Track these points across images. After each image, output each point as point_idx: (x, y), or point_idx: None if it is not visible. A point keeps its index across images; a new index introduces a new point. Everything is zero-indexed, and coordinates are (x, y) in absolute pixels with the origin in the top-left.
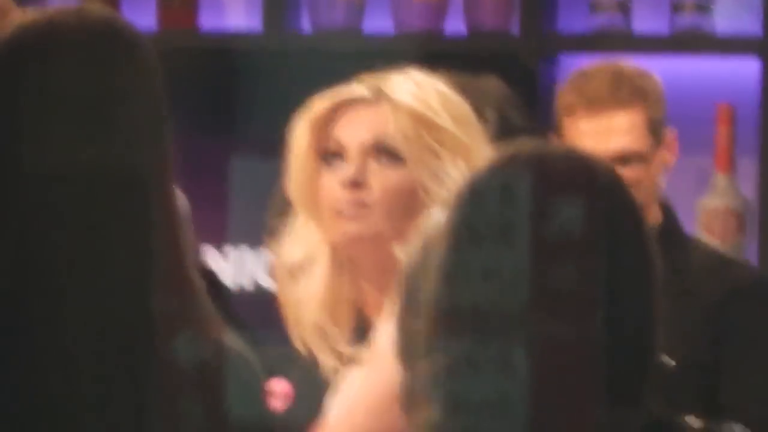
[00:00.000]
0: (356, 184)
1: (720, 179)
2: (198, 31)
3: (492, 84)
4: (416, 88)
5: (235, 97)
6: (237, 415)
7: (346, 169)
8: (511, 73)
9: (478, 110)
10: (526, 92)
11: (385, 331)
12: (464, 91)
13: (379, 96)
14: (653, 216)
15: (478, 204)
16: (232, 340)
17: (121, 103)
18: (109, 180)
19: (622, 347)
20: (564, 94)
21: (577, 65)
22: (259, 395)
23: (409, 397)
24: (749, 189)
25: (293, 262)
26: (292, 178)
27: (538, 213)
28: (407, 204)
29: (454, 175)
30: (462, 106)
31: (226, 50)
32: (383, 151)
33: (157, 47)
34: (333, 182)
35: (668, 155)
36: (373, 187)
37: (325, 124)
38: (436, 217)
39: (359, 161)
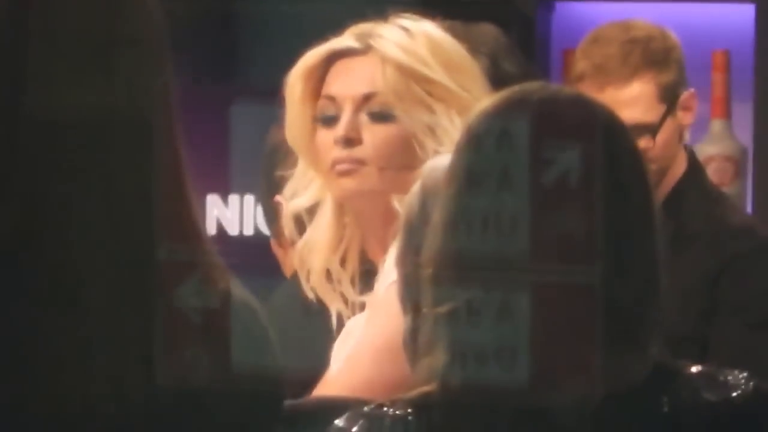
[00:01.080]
0: (349, 140)
1: (716, 125)
2: None
3: (486, 31)
4: (407, 39)
5: (236, 42)
6: (243, 363)
7: (339, 127)
8: (508, 19)
9: (473, 54)
10: (523, 39)
11: (387, 279)
12: (457, 38)
13: (368, 48)
14: (674, 170)
15: (477, 149)
16: (238, 288)
17: (121, 48)
18: (111, 124)
19: (625, 292)
20: (575, 60)
21: (573, 11)
22: (265, 345)
23: (412, 344)
24: (746, 134)
25: (299, 208)
26: (289, 130)
27: (538, 157)
28: (402, 158)
29: (447, 128)
30: (457, 52)
31: None
32: (374, 106)
33: None
34: (328, 139)
35: (686, 116)
36: (366, 143)
37: (316, 76)
38: (434, 164)
39: (351, 117)
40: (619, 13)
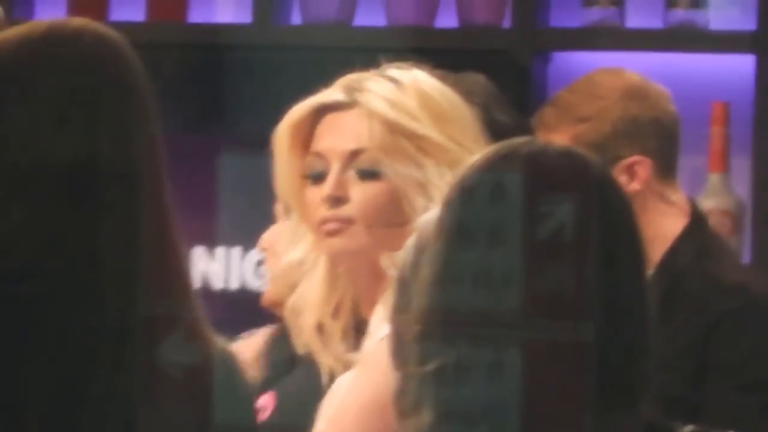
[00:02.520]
0: (336, 199)
1: (714, 179)
2: (187, 23)
3: (477, 81)
4: (395, 92)
5: (224, 92)
6: (224, 420)
7: (326, 185)
8: (504, 69)
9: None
10: (519, 89)
11: (376, 336)
12: (454, 85)
13: (355, 102)
14: (660, 230)
15: (469, 203)
16: (222, 344)
17: (103, 99)
18: (94, 175)
19: (616, 349)
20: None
21: (569, 61)
22: (247, 400)
23: (402, 401)
24: (744, 188)
25: (292, 262)
26: (279, 184)
27: (530, 212)
28: (391, 215)
29: (437, 183)
30: (449, 103)
31: (216, 44)
32: (361, 163)
33: (145, 40)
34: (316, 196)
35: (630, 183)
36: (354, 201)
37: (304, 131)
38: (428, 218)
39: (338, 175)
40: (615, 62)
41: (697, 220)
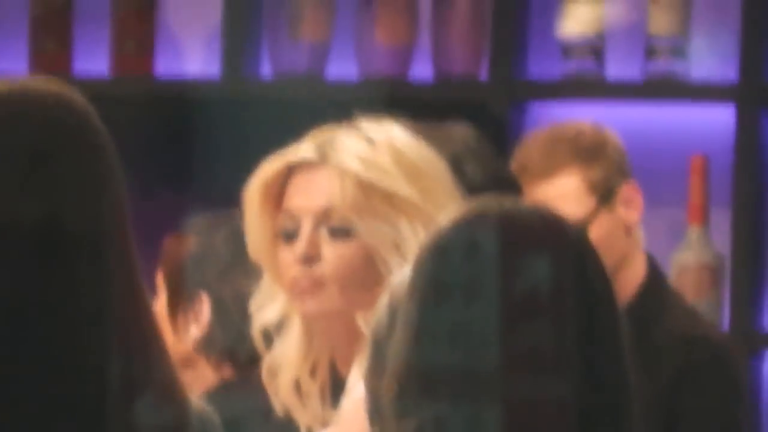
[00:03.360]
0: (308, 258)
1: (693, 232)
2: (153, 77)
3: (453, 132)
4: (368, 149)
5: (192, 146)
6: None
7: (298, 244)
8: (480, 120)
9: None
10: (496, 141)
11: (355, 393)
12: (422, 138)
13: (327, 160)
14: (631, 275)
15: (441, 262)
16: (196, 403)
17: (67, 159)
18: (60, 236)
19: (595, 407)
20: (511, 163)
21: (547, 113)
22: None
23: None
24: (723, 240)
25: (266, 322)
26: (250, 243)
27: (503, 271)
28: (364, 275)
29: (411, 241)
30: (423, 159)
31: (184, 97)
32: (333, 221)
33: (110, 94)
34: (288, 256)
35: (629, 212)
36: (326, 261)
37: (275, 189)
38: (401, 277)
39: (310, 234)
40: (593, 114)
41: (655, 273)
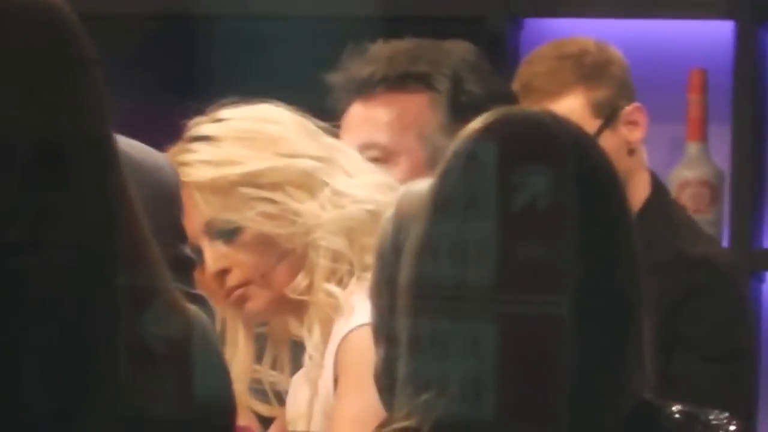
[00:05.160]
0: (221, 272)
1: (692, 148)
2: None
3: (453, 49)
4: (209, 149)
5: (198, 61)
6: (201, 390)
7: (207, 267)
8: (478, 36)
9: (430, 80)
10: (493, 55)
11: (328, 347)
12: (419, 58)
13: (184, 183)
14: (634, 193)
15: (446, 176)
16: (195, 311)
17: (70, 68)
18: (63, 144)
19: (598, 322)
20: (514, 81)
21: (546, 28)
22: (223, 371)
23: (385, 377)
24: (722, 157)
25: None
26: None
27: (507, 182)
28: (272, 256)
29: (292, 205)
30: (273, 124)
31: (184, 14)
32: (218, 229)
33: (107, 12)
34: (207, 277)
35: (632, 132)
36: (236, 265)
37: None
38: (408, 188)
39: (210, 250)
40: (589, 29)
41: (659, 191)
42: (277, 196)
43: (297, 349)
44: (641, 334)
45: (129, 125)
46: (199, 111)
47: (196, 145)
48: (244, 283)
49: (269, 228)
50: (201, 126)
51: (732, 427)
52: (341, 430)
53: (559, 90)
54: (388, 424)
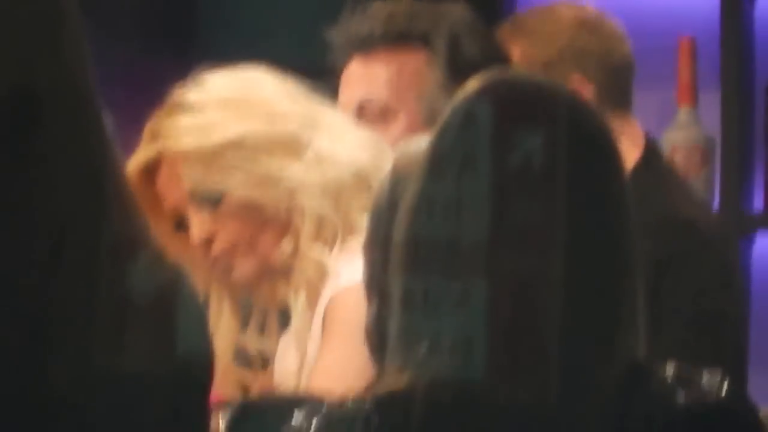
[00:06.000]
0: (207, 241)
1: (683, 113)
2: None
3: (449, 11)
4: (191, 118)
5: (196, 15)
6: (182, 343)
7: (193, 235)
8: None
9: (429, 39)
10: (487, 16)
11: (316, 309)
12: (418, 17)
13: (164, 152)
14: (624, 153)
15: (442, 135)
16: (176, 265)
17: (32, 23)
18: (28, 101)
19: (590, 283)
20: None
21: None
22: (204, 326)
23: (376, 333)
24: (711, 123)
25: None
26: None
27: (502, 142)
28: (256, 222)
29: (275, 169)
30: (256, 89)
31: None
32: (203, 196)
33: None
34: (192, 245)
35: None
36: (222, 232)
37: (147, 194)
38: (406, 147)
39: (196, 219)
40: None
41: (651, 153)
42: (260, 160)
43: (284, 314)
44: (634, 296)
45: (120, 80)
46: (186, 75)
47: (178, 113)
48: (230, 251)
49: (253, 193)
50: (183, 93)
51: (724, 388)
52: (320, 380)
53: (510, 39)
54: (378, 385)
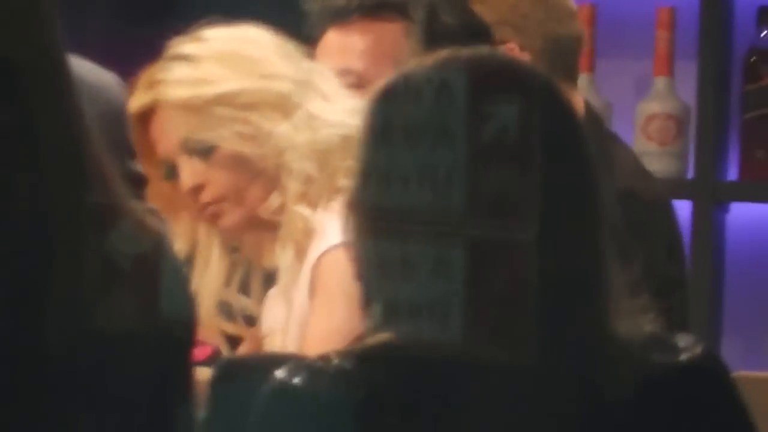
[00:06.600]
0: (196, 189)
1: (659, 83)
2: None
3: None
4: (188, 69)
5: None
6: (165, 305)
7: (182, 182)
8: None
9: (406, 9)
10: None
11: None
12: None
13: (158, 99)
14: None
15: (413, 101)
16: (161, 230)
17: None
18: (15, 65)
19: (563, 250)
20: None
21: None
22: (186, 287)
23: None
24: (688, 93)
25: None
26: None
27: (474, 112)
28: (243, 177)
29: (267, 128)
30: (259, 46)
31: None
32: (193, 147)
33: None
34: (181, 194)
35: None
36: (209, 183)
37: (140, 140)
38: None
39: (187, 167)
40: None
41: (591, 121)
42: (252, 116)
43: (268, 275)
44: (608, 261)
45: (100, 47)
46: (180, 32)
47: (174, 64)
48: (218, 200)
49: (242, 148)
50: (181, 45)
51: (698, 350)
52: (311, 346)
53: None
54: (360, 342)
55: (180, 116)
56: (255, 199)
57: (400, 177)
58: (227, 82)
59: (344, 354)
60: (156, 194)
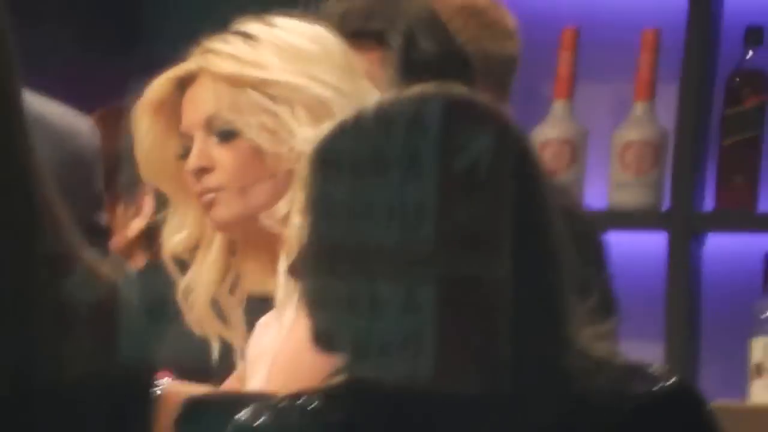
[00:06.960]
0: (201, 170)
1: (639, 108)
2: None
3: (409, 6)
4: (243, 47)
5: (141, 14)
6: (124, 351)
7: (189, 159)
8: None
9: (385, 34)
10: None
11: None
12: (373, 15)
13: (202, 69)
14: None
15: (384, 134)
16: (117, 278)
17: None
18: None
19: (533, 284)
20: None
21: None
22: (143, 333)
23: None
24: (669, 118)
25: (178, 247)
26: (145, 168)
27: (445, 145)
28: (255, 171)
29: (292, 127)
30: (317, 45)
31: None
32: (218, 127)
33: None
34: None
35: None
36: (218, 167)
37: (168, 109)
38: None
39: (201, 145)
40: None
41: None
42: (281, 110)
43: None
44: (572, 288)
45: (64, 80)
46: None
47: (233, 38)
48: (220, 188)
49: (262, 141)
50: (249, 24)
51: (672, 380)
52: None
53: None
54: (328, 380)
55: (216, 89)
56: (258, 200)
57: (364, 211)
58: (273, 71)
59: (311, 392)
60: (171, 177)
